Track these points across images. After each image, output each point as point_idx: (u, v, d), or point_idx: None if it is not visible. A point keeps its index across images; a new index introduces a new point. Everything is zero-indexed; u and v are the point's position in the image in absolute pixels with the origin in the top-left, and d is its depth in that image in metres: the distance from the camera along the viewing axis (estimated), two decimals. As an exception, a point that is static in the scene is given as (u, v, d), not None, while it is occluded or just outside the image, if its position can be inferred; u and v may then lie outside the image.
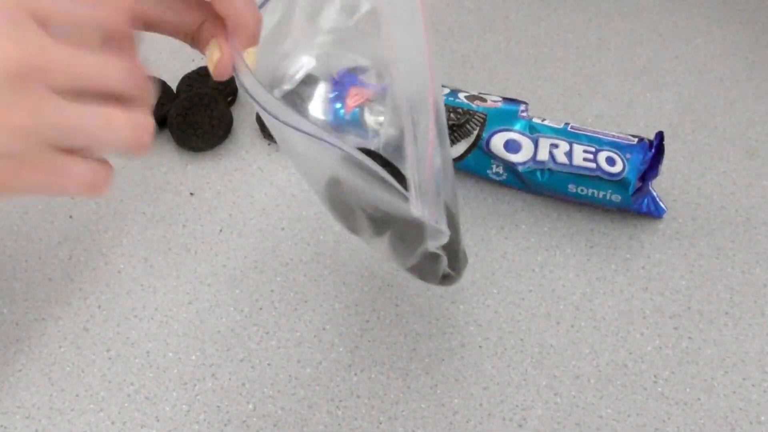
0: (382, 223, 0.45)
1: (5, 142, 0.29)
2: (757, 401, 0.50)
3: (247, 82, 0.36)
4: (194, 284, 0.57)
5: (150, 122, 0.33)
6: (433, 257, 0.44)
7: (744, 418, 0.49)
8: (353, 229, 0.47)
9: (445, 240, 0.41)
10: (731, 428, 0.49)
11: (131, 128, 0.32)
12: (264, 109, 0.35)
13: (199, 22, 0.36)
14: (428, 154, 0.37)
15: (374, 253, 0.56)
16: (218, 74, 0.36)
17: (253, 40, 0.36)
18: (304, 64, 0.49)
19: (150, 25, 0.36)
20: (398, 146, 0.42)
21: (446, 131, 0.40)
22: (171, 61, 0.72)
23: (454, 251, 0.46)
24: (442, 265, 0.46)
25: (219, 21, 0.36)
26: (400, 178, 0.39)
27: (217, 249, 0.59)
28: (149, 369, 0.52)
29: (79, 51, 0.30)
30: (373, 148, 0.47)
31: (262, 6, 0.39)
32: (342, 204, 0.45)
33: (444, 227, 0.40)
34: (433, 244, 0.42)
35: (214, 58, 0.36)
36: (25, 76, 0.28)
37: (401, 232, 0.44)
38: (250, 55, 0.36)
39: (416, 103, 0.36)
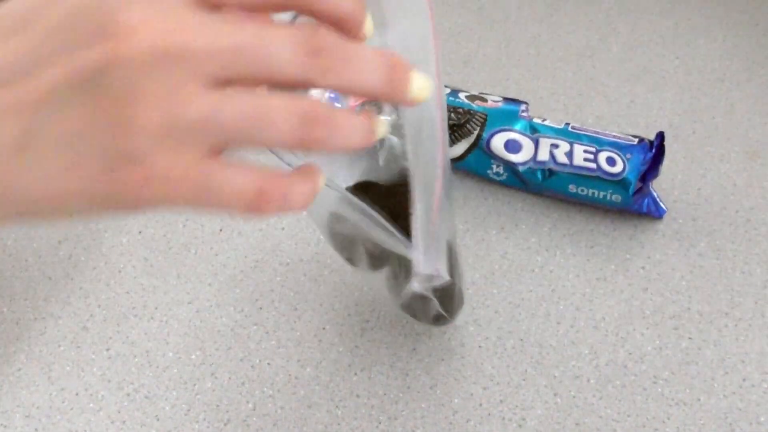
0: (380, 259, 0.45)
1: (139, 144, 0.23)
2: (756, 402, 0.50)
3: None
4: (194, 284, 0.57)
5: (349, 115, 0.25)
6: (422, 298, 0.44)
7: (743, 419, 0.49)
8: (352, 261, 0.47)
9: (438, 282, 0.41)
10: (731, 429, 0.49)
11: (307, 122, 0.24)
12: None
13: None
14: (435, 203, 0.37)
15: (370, 288, 0.56)
16: None
17: None
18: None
19: None
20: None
21: (449, 165, 0.39)
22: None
23: (447, 294, 0.46)
24: (433, 307, 0.45)
25: None
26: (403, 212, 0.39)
27: (217, 248, 0.59)
28: (149, 368, 0.52)
29: (240, 27, 0.23)
30: (381, 181, 0.47)
31: None
32: (343, 237, 0.45)
33: (444, 273, 0.40)
34: (420, 286, 0.42)
35: None
36: (172, 57, 0.22)
37: (395, 269, 0.44)
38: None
39: (427, 156, 0.36)
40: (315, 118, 0.24)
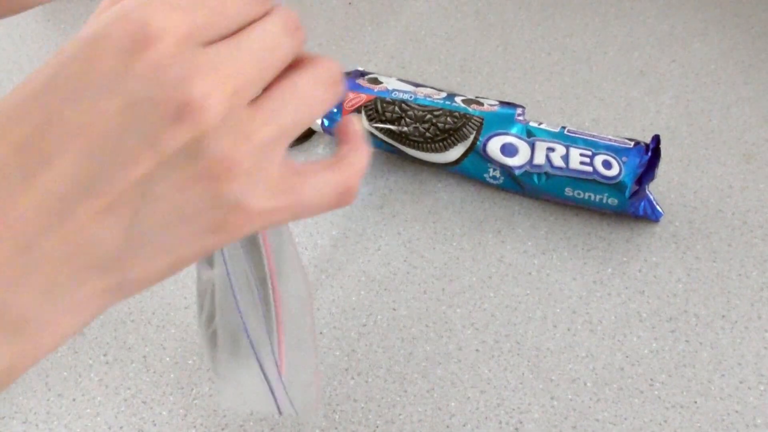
0: None
1: (238, 192, 0.24)
2: (753, 404, 0.50)
3: None
4: (191, 288, 0.57)
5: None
6: None
7: (740, 421, 0.49)
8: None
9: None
10: (727, 431, 0.49)
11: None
12: None
13: None
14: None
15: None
16: None
17: None
18: None
19: None
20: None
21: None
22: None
23: None
24: None
25: None
26: None
27: (214, 253, 0.59)
28: (146, 373, 0.52)
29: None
30: None
31: None
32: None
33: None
34: None
35: None
36: (237, 103, 0.23)
37: None
38: None
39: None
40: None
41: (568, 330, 0.54)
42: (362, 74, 0.66)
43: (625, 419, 0.49)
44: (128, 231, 0.23)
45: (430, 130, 0.60)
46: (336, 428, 0.49)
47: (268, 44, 0.25)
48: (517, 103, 0.65)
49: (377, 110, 0.62)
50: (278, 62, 0.25)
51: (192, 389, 0.51)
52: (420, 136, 0.61)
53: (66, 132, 0.23)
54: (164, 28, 0.22)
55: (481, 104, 0.61)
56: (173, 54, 0.22)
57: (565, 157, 0.58)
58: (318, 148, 0.67)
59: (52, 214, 0.23)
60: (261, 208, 0.25)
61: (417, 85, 0.64)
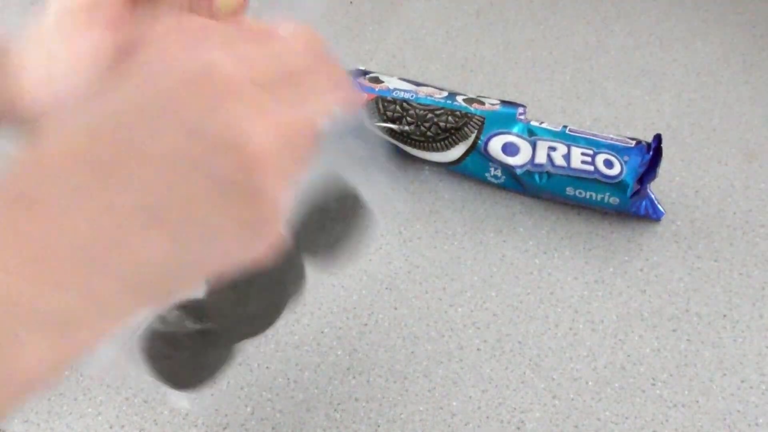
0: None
1: (270, 214, 0.25)
2: (755, 403, 0.50)
3: None
4: (193, 288, 0.57)
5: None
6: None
7: (742, 420, 0.49)
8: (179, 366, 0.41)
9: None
10: (729, 430, 0.49)
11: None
12: None
13: None
14: None
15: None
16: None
17: None
18: None
19: None
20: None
21: None
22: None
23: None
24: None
25: None
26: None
27: (215, 252, 0.59)
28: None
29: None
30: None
31: None
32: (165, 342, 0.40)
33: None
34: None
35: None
36: (287, 139, 0.25)
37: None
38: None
39: None
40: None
41: (570, 329, 0.54)
42: (363, 73, 0.66)
43: (627, 418, 0.49)
44: (173, 246, 0.25)
45: (432, 129, 0.60)
46: (338, 427, 0.49)
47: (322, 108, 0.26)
48: (519, 102, 0.65)
49: (378, 109, 0.62)
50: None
51: (193, 388, 0.51)
52: (421, 135, 0.61)
53: (141, 161, 0.24)
54: (234, 76, 0.24)
55: (483, 103, 0.61)
56: (239, 98, 0.24)
57: (567, 157, 0.58)
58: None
59: (118, 231, 0.24)
60: (278, 209, 0.26)
61: (418, 84, 0.64)
